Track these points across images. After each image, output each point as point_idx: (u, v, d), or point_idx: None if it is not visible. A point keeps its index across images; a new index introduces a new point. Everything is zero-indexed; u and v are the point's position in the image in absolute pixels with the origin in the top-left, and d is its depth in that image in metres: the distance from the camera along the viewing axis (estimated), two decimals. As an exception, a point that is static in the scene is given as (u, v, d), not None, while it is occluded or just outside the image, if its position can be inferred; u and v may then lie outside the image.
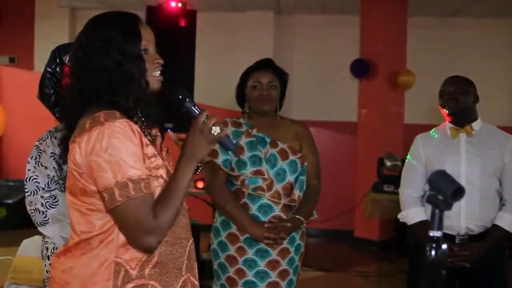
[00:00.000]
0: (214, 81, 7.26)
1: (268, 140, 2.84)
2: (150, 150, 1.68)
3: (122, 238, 1.65)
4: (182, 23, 5.24)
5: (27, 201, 2.27)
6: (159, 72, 1.75)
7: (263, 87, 2.84)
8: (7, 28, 8.10)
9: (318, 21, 7.93)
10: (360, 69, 7.03)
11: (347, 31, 7.65)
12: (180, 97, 1.75)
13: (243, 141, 2.81)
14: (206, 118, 1.69)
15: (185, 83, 5.10)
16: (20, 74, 8.09)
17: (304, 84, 7.72)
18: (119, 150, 1.58)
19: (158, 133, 1.85)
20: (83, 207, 1.66)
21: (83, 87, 1.68)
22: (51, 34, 7.74)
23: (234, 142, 2.81)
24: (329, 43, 7.85)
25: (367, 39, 7.08)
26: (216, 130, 1.69)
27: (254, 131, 2.85)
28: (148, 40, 1.72)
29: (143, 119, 1.76)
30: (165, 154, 1.81)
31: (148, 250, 1.65)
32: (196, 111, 1.74)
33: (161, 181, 1.68)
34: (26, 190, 2.28)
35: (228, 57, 7.56)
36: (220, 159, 2.79)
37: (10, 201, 7.18)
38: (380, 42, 6.98)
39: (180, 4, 5.28)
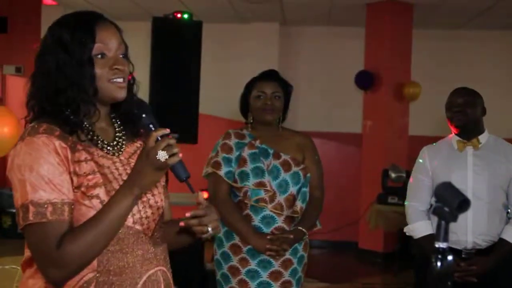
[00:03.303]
0: (219, 92, 7.27)
1: (271, 151, 2.84)
2: (88, 167, 1.49)
3: None
4: (188, 34, 5.25)
5: (32, 211, 2.28)
6: (120, 79, 1.54)
7: (267, 97, 2.85)
8: (13, 38, 8.12)
9: (323, 33, 7.94)
10: (365, 80, 7.05)
11: (352, 43, 7.66)
12: (136, 111, 1.51)
13: (246, 152, 2.82)
14: (158, 139, 1.44)
15: (190, 93, 5.10)
16: (26, 84, 8.13)
17: (309, 95, 7.73)
18: (30, 169, 1.43)
19: (138, 145, 1.65)
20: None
21: (28, 94, 1.56)
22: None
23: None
24: (334, 54, 7.86)
25: (372, 50, 7.09)
26: (162, 155, 1.41)
27: (257, 143, 2.85)
28: (105, 43, 1.52)
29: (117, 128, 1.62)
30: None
31: (53, 283, 1.47)
32: (151, 129, 1.48)
33: (96, 201, 1.47)
34: (31, 200, 2.28)
35: (234, 69, 7.56)
36: (222, 171, 2.81)
37: (15, 210, 7.20)
38: (385, 54, 6.99)
39: (186, 16, 5.30)
